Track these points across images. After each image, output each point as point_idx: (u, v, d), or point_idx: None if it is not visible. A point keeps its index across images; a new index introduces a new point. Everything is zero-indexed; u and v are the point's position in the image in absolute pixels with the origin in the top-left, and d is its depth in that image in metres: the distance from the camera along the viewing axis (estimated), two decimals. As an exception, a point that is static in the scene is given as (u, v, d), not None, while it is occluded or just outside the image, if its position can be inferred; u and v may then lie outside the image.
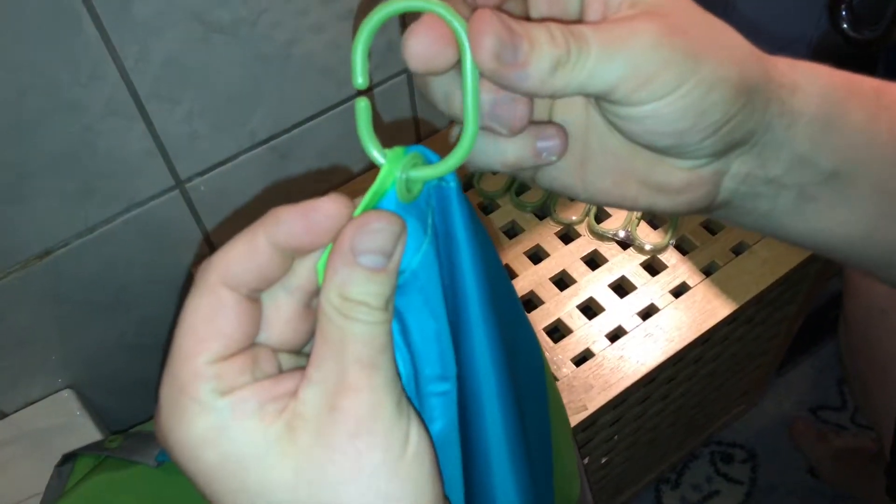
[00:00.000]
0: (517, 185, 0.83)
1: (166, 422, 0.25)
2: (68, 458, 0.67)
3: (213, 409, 0.24)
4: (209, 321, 0.25)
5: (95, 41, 0.59)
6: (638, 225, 0.79)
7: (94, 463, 0.65)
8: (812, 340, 1.30)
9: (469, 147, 0.27)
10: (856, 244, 0.33)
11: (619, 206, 0.30)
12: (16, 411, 0.79)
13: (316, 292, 0.27)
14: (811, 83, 0.29)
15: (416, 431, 0.25)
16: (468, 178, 0.83)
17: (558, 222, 0.80)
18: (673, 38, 0.25)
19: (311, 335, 0.28)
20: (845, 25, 1.05)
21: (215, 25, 0.64)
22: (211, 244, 0.80)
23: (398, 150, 0.27)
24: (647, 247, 0.77)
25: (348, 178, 0.85)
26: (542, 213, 0.82)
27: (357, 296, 0.24)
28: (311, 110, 0.77)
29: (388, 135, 0.86)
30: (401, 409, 0.25)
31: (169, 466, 0.62)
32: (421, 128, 0.88)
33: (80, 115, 0.62)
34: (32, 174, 0.63)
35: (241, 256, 0.25)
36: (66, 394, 0.80)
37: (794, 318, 0.97)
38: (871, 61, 1.24)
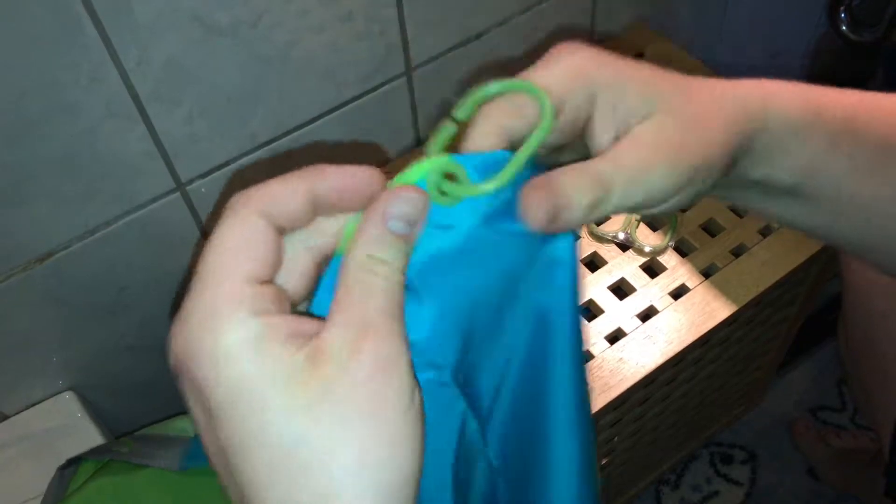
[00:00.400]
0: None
1: (195, 333, 0.25)
2: (73, 462, 0.67)
3: (247, 326, 0.25)
4: (247, 244, 0.26)
5: (96, 43, 0.59)
6: (637, 227, 0.79)
7: (96, 466, 0.65)
8: (812, 342, 1.30)
9: (507, 179, 0.30)
10: (818, 233, 0.38)
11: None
12: (17, 413, 0.79)
13: (328, 255, 0.29)
14: (778, 117, 0.34)
15: (418, 388, 0.26)
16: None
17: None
18: (681, 163, 0.31)
19: (310, 293, 0.30)
20: (844, 27, 1.06)
21: (215, 27, 0.64)
22: (211, 246, 0.80)
23: (442, 159, 0.29)
24: (647, 248, 0.77)
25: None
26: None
27: (382, 255, 0.27)
28: (312, 112, 0.77)
29: (387, 138, 0.86)
30: (410, 363, 0.26)
31: (190, 471, 0.62)
32: (420, 130, 0.88)
33: (81, 118, 0.62)
34: (33, 176, 0.63)
35: (280, 194, 0.27)
36: (67, 395, 0.80)
37: (793, 320, 0.97)
38: (870, 62, 1.24)
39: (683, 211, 0.80)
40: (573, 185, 0.30)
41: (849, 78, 1.44)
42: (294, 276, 0.29)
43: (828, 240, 0.39)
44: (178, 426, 0.68)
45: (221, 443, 0.25)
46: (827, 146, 0.34)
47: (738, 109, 0.33)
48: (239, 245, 0.26)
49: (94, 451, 0.67)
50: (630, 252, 0.78)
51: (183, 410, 0.69)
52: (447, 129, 0.31)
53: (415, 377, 0.26)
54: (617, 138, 0.32)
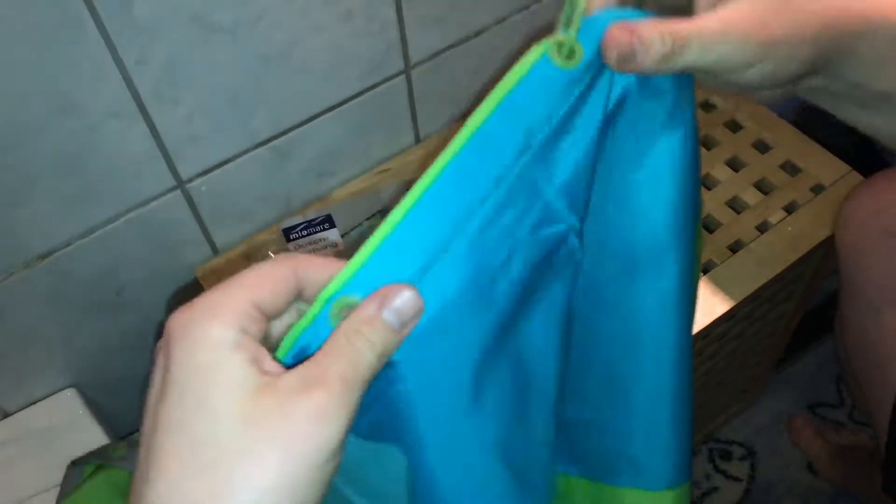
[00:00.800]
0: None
1: (193, 317, 0.29)
2: (77, 463, 0.67)
3: (231, 333, 0.29)
4: (273, 284, 0.31)
5: (97, 43, 0.59)
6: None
7: (94, 467, 0.66)
8: (810, 338, 1.31)
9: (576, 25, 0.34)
10: None
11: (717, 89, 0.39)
12: (18, 410, 0.80)
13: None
14: (879, 25, 0.35)
15: (341, 454, 0.29)
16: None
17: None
18: (757, 37, 0.33)
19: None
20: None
21: (216, 26, 0.64)
22: (212, 243, 0.81)
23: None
24: None
25: (349, 177, 0.86)
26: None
27: (367, 333, 0.30)
28: (312, 110, 0.77)
29: (386, 136, 0.86)
30: (347, 430, 0.29)
31: None
32: (420, 129, 0.88)
33: (82, 117, 0.63)
34: (35, 176, 0.64)
35: (314, 267, 0.32)
36: (69, 393, 0.81)
37: (791, 316, 0.97)
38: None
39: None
40: (654, 32, 0.33)
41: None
42: (278, 331, 0.33)
43: None
44: None
45: (159, 417, 0.28)
46: None
47: (842, 10, 0.35)
48: (267, 280, 0.31)
49: (94, 454, 0.68)
50: (628, 249, 0.78)
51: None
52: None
53: (343, 444, 0.29)
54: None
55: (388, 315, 0.31)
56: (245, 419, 0.27)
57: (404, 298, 0.31)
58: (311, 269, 0.32)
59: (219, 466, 0.27)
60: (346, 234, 0.80)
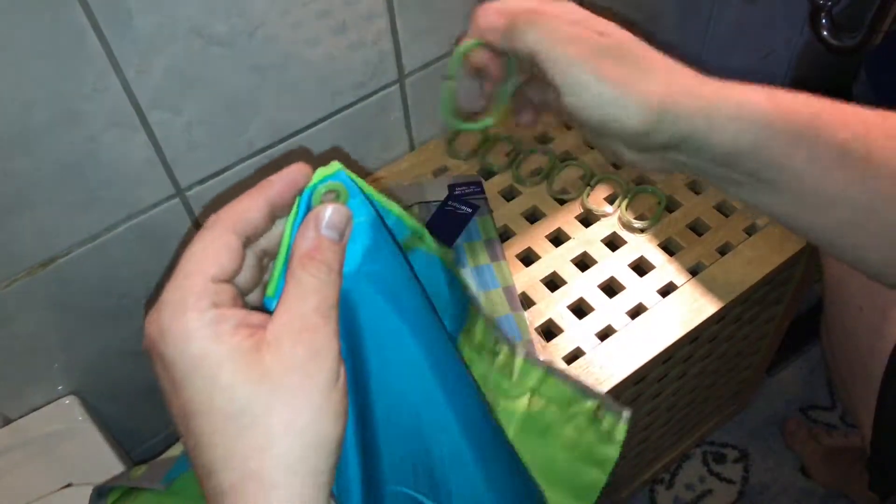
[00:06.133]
0: (518, 160, 0.87)
1: (167, 318, 0.31)
2: (101, 494, 0.67)
3: (207, 314, 0.31)
4: (214, 253, 0.33)
5: (98, 54, 0.60)
6: (629, 205, 0.81)
7: (120, 493, 0.66)
8: (802, 342, 1.32)
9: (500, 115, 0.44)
10: (785, 221, 0.44)
11: (608, 157, 0.45)
12: (19, 417, 0.80)
13: (267, 252, 0.36)
14: (722, 104, 0.41)
15: (343, 374, 0.33)
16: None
17: (554, 196, 0.85)
18: (611, 80, 0.42)
19: (255, 284, 0.37)
20: (825, 33, 1.08)
21: (213, 38, 0.66)
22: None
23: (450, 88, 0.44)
24: (636, 224, 0.80)
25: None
26: (534, 218, 0.84)
27: (320, 257, 0.33)
28: (307, 120, 0.79)
29: (381, 144, 0.88)
30: (338, 352, 0.32)
31: (177, 489, 0.63)
32: (414, 136, 0.90)
33: (84, 126, 0.64)
34: (37, 184, 0.65)
35: (244, 211, 0.34)
36: (69, 400, 0.81)
37: (781, 319, 0.99)
38: (853, 65, 1.27)
39: (670, 211, 0.82)
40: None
41: (833, 81, 1.46)
42: (246, 273, 0.35)
43: (793, 229, 0.45)
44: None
45: (183, 408, 0.31)
46: (789, 141, 0.41)
47: (682, 92, 0.41)
48: (207, 253, 0.33)
49: (116, 479, 0.67)
50: (619, 251, 0.80)
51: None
52: (449, 86, 0.42)
53: (340, 364, 0.32)
54: None
55: (327, 232, 0.34)
56: (256, 381, 0.30)
57: (334, 210, 0.34)
58: (246, 220, 0.34)
59: (255, 426, 0.30)
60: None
